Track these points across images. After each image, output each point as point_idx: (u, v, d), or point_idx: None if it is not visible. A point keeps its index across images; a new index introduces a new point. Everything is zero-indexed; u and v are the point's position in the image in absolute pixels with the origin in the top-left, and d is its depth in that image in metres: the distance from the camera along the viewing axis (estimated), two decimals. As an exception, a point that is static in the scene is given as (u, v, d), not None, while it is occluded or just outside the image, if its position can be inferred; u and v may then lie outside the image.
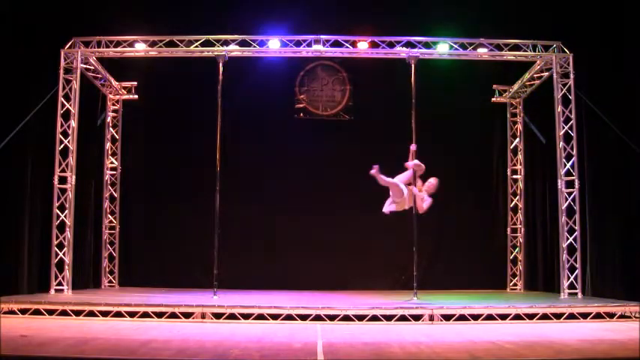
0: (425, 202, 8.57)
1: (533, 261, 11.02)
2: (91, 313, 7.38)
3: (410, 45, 9.78)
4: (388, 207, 8.57)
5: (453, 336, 6.23)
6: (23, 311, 7.38)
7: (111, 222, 11.24)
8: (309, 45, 9.89)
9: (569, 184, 9.34)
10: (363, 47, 9.90)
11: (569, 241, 9.28)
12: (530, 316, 7.44)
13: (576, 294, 9.06)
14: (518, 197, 11.44)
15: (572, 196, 9.29)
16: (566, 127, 9.47)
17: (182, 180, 11.16)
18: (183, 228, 11.10)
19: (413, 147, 8.56)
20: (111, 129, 11.39)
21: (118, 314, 7.36)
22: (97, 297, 8.37)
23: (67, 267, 9.16)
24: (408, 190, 8.48)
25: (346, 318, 7.30)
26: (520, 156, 11.48)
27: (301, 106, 11.55)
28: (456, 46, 9.83)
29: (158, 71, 10.90)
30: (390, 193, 8.54)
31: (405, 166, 8.59)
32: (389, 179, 8.40)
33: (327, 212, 11.09)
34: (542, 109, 10.56)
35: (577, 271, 9.19)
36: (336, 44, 9.92)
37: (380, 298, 8.99)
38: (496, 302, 7.95)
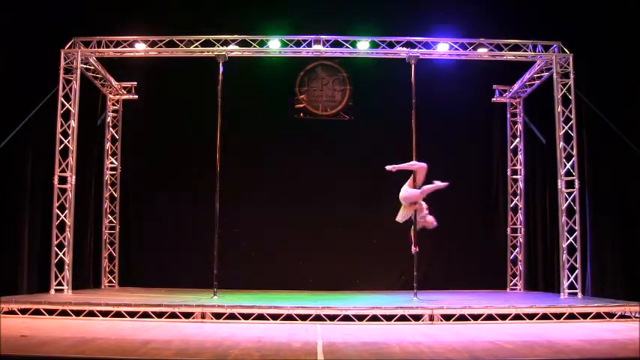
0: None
1: (533, 261, 11.02)
2: (91, 313, 7.38)
3: (410, 45, 9.79)
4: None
5: (453, 336, 6.23)
6: (23, 311, 7.38)
7: (111, 222, 11.24)
8: (309, 45, 9.89)
9: (569, 184, 9.34)
10: (363, 47, 9.90)
11: (569, 241, 9.28)
12: (530, 316, 7.43)
13: (576, 294, 9.06)
14: (518, 197, 11.44)
15: (572, 196, 9.29)
16: (566, 127, 9.47)
17: (182, 180, 11.16)
18: (183, 228, 11.10)
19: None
20: (111, 129, 11.39)
21: (118, 314, 7.36)
22: (97, 297, 8.36)
23: (67, 267, 9.16)
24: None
25: (346, 318, 7.30)
26: (520, 156, 11.48)
27: (301, 106, 11.55)
28: (456, 46, 9.83)
29: (158, 71, 10.90)
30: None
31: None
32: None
33: (327, 212, 11.09)
34: (542, 109, 10.56)
35: (577, 271, 9.19)
36: (336, 44, 9.92)
37: (380, 298, 9.00)
38: (496, 302, 7.94)
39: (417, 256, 8.69)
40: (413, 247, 8.61)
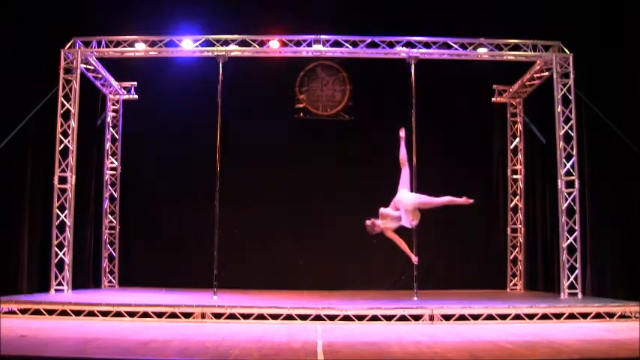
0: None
1: (533, 261, 11.02)
2: (91, 313, 7.38)
3: (410, 45, 9.78)
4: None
5: (453, 336, 6.23)
6: (23, 311, 7.38)
7: (111, 222, 11.24)
8: (309, 45, 9.88)
9: (569, 184, 9.34)
10: (362, 47, 9.90)
11: (569, 241, 9.28)
12: (530, 316, 7.44)
13: (576, 294, 9.05)
14: (518, 197, 11.44)
15: (572, 196, 9.29)
16: (566, 127, 9.47)
17: (182, 180, 11.16)
18: (183, 228, 11.12)
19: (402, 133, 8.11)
20: (111, 129, 11.39)
21: (118, 314, 7.36)
22: (97, 297, 8.36)
23: (67, 267, 9.16)
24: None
25: (346, 318, 7.31)
26: (520, 156, 11.48)
27: (301, 106, 11.55)
28: (456, 46, 9.83)
29: (158, 71, 10.90)
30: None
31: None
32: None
33: (327, 212, 11.08)
34: (542, 109, 10.55)
35: (577, 271, 9.18)
36: (336, 44, 9.91)
37: (380, 298, 9.00)
38: (496, 302, 7.94)
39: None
40: (413, 257, 8.46)
